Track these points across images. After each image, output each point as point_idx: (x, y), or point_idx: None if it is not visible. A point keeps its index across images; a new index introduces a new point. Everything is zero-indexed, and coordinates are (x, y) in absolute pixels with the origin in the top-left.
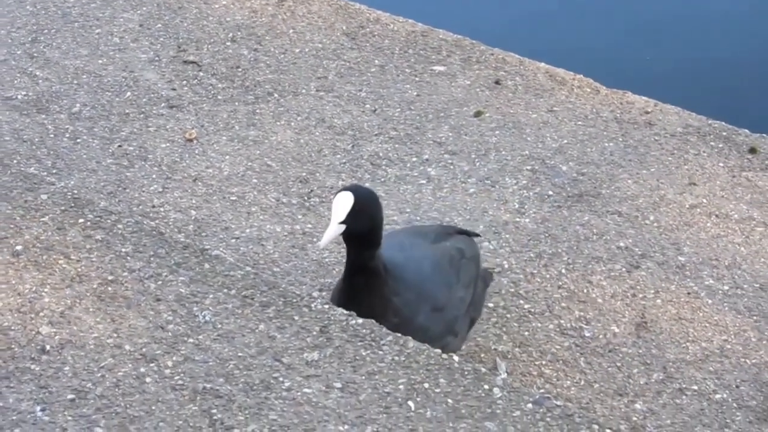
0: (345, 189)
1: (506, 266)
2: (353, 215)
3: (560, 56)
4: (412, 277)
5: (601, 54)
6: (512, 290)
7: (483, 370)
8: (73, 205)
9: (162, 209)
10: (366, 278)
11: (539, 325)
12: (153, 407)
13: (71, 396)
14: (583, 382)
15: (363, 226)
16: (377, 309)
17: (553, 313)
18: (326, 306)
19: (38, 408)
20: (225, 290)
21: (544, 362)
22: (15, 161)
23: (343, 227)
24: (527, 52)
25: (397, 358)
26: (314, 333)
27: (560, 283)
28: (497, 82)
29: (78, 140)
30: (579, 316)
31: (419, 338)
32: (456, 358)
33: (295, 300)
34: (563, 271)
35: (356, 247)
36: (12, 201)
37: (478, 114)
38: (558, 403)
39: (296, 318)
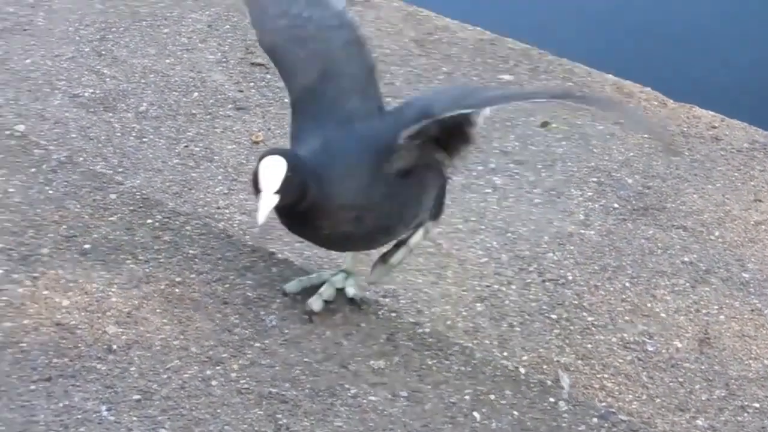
0: (269, 153)
1: (570, 278)
2: (287, 183)
3: (627, 68)
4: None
5: (669, 67)
6: (576, 302)
7: (549, 382)
8: (141, 205)
9: (227, 211)
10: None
11: (602, 338)
12: (218, 410)
13: (137, 396)
14: (645, 397)
15: (296, 195)
16: (328, 224)
17: (616, 327)
18: (393, 314)
19: (104, 408)
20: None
21: (606, 375)
22: (82, 159)
23: (277, 198)
24: (595, 63)
25: (463, 368)
26: (381, 341)
27: (624, 296)
28: None
29: (144, 139)
30: (642, 330)
31: (385, 213)
32: (522, 370)
33: (362, 306)
34: (627, 284)
35: (291, 204)
36: (81, 199)
37: (544, 124)
38: (623, 417)
39: (363, 325)
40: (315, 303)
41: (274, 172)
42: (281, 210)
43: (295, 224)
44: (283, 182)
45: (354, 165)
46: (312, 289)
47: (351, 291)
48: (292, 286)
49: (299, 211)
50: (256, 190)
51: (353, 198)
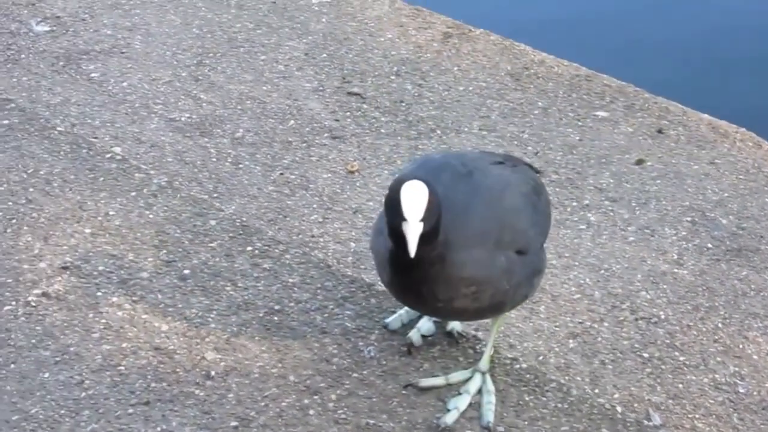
0: (409, 179)
1: (662, 317)
2: (429, 211)
3: (723, 107)
4: (477, 222)
5: (766, 108)
6: (668, 341)
7: (645, 422)
8: (241, 232)
9: (322, 240)
10: (424, 269)
11: (694, 378)
12: None
13: (234, 423)
14: None
15: (435, 223)
16: (444, 294)
17: (708, 367)
18: (492, 350)
19: None
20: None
21: (697, 416)
22: (179, 183)
23: (422, 225)
24: (690, 102)
25: (560, 405)
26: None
27: (716, 337)
28: (660, 131)
29: (240, 165)
30: (734, 371)
31: (502, 291)
32: (619, 408)
33: (460, 341)
34: (720, 325)
35: (421, 246)
36: (181, 225)
37: (639, 162)
38: None
39: (461, 359)
40: (414, 336)
41: (418, 198)
42: (399, 273)
43: (407, 290)
44: (427, 209)
45: (481, 231)
46: (411, 323)
47: (449, 325)
48: (394, 322)
49: (418, 278)
50: (398, 217)
51: (477, 271)
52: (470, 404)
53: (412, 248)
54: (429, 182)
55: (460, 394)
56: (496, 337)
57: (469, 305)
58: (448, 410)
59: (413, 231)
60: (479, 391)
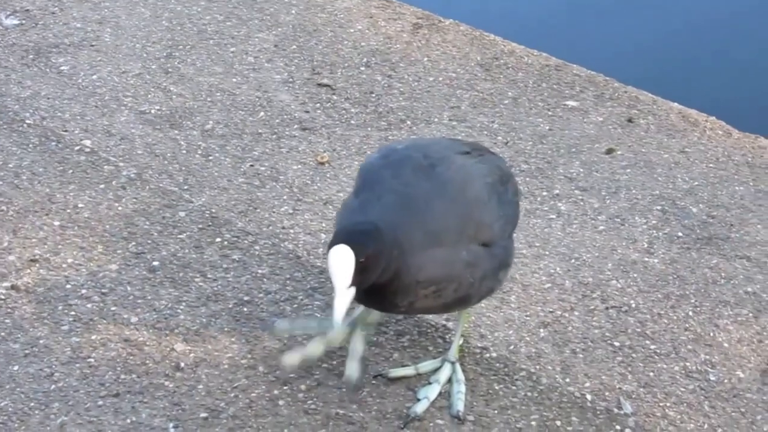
0: (337, 241)
1: (633, 305)
2: (360, 270)
3: (693, 97)
4: (437, 218)
5: (734, 96)
6: (639, 330)
7: (615, 410)
8: (210, 224)
9: (292, 231)
10: (381, 284)
11: (665, 366)
12: (285, 430)
13: (204, 414)
14: (706, 426)
15: (375, 274)
16: (403, 299)
17: (678, 355)
18: (462, 339)
19: (171, 425)
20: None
21: (668, 404)
22: (150, 176)
23: (353, 290)
24: (660, 91)
25: (529, 393)
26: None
27: (687, 325)
28: (630, 120)
29: (210, 157)
30: (705, 359)
31: (466, 284)
32: (589, 396)
33: (429, 331)
34: (690, 313)
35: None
36: (150, 216)
37: (609, 151)
38: None
39: (431, 348)
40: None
41: (344, 263)
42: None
43: (366, 299)
44: (356, 272)
45: (442, 229)
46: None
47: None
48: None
49: (375, 287)
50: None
51: (435, 272)
52: (440, 393)
53: (338, 317)
54: (360, 239)
55: (430, 383)
56: (465, 327)
57: (431, 304)
58: (419, 400)
59: (340, 301)
60: (449, 381)
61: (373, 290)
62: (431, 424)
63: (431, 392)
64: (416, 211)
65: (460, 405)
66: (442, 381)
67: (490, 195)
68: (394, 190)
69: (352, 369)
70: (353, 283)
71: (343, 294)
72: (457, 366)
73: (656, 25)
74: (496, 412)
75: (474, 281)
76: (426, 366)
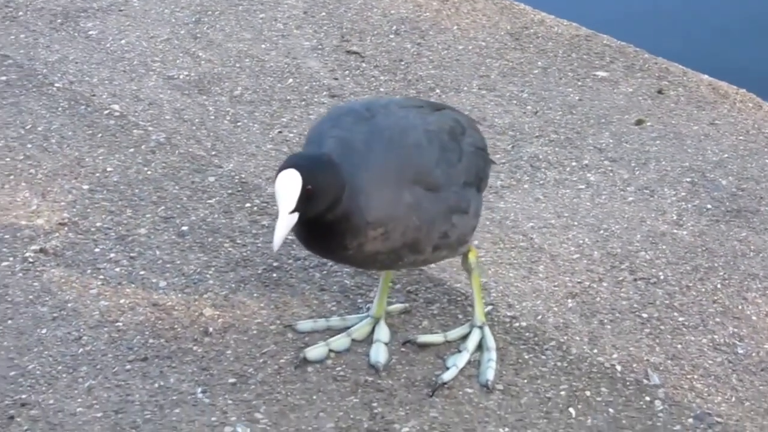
0: (286, 165)
1: (661, 277)
2: (306, 198)
3: (723, 69)
4: (380, 162)
5: (765, 69)
6: (667, 302)
7: (645, 381)
8: (240, 189)
9: None
10: (329, 224)
11: (692, 338)
12: (314, 397)
13: (233, 380)
14: (734, 399)
15: (323, 203)
16: (352, 241)
17: (707, 328)
18: (489, 306)
19: (199, 390)
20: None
21: (695, 376)
22: (177, 140)
23: (296, 216)
24: (691, 62)
25: (559, 363)
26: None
27: (715, 297)
28: (660, 92)
29: (238, 123)
30: (733, 332)
31: (413, 227)
32: (618, 367)
33: (459, 298)
34: (719, 286)
35: (324, 212)
36: (179, 181)
37: (639, 122)
38: (719, 419)
39: (460, 316)
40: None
41: (289, 187)
42: (301, 225)
43: (312, 242)
44: (300, 198)
45: (382, 171)
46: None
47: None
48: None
49: (321, 226)
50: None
51: (383, 212)
52: (469, 361)
53: (277, 241)
54: (309, 165)
55: (459, 351)
56: (480, 289)
57: (380, 247)
58: (447, 368)
59: (281, 225)
60: (479, 348)
61: (321, 232)
62: (460, 393)
63: (460, 360)
64: (357, 152)
65: (489, 374)
66: (471, 349)
67: (429, 142)
68: (334, 136)
69: (379, 355)
70: (298, 209)
71: (285, 218)
72: (487, 331)
73: None
74: (525, 381)
75: (421, 224)
76: (455, 333)
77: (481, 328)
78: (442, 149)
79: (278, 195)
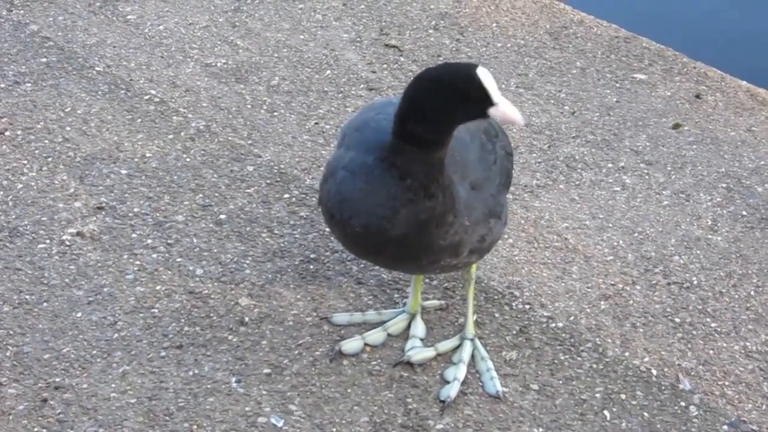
0: (464, 66)
1: (695, 282)
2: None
3: (762, 76)
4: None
5: None
6: (700, 307)
7: (680, 386)
8: (279, 179)
9: None
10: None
11: (725, 345)
12: (349, 390)
13: (267, 370)
14: (765, 407)
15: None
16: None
17: (739, 335)
18: (526, 306)
19: (233, 379)
20: (426, 280)
21: (727, 383)
22: (216, 128)
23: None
24: (729, 68)
25: (595, 365)
26: (513, 332)
27: (749, 304)
28: (698, 96)
29: (275, 113)
30: (765, 339)
31: (463, 226)
32: (654, 371)
33: (496, 297)
34: (752, 293)
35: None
36: (218, 169)
37: (676, 126)
38: (754, 427)
39: (497, 315)
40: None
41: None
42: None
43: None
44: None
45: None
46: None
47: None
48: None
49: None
50: (484, 104)
51: (462, 203)
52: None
53: (520, 117)
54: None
55: (455, 364)
56: (473, 300)
57: (437, 239)
58: (447, 382)
59: (509, 103)
60: (473, 359)
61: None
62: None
63: (459, 373)
64: None
65: (496, 383)
66: (467, 360)
67: (472, 138)
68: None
69: (414, 350)
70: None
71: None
72: (477, 342)
73: (727, 1)
74: (560, 382)
75: (469, 225)
76: (445, 345)
77: (472, 340)
78: (482, 148)
79: (491, 84)
